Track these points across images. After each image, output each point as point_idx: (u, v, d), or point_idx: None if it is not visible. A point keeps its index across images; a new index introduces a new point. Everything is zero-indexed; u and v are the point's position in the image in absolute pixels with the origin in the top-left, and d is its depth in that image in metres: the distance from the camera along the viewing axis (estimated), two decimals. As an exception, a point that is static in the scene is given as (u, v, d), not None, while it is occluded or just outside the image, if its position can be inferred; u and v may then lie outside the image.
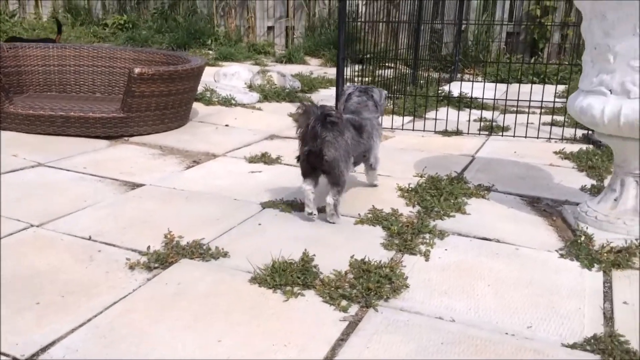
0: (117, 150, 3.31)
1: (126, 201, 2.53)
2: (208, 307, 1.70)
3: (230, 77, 5.34)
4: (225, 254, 2.03)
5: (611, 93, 2.10)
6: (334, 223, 2.35)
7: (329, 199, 2.32)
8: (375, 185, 2.82)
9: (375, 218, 2.39)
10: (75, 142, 3.39)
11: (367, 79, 4.79)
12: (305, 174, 2.34)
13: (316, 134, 2.22)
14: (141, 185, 2.74)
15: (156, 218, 2.35)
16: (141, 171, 2.94)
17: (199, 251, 2.02)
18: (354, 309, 1.72)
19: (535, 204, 2.66)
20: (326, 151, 2.24)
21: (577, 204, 2.48)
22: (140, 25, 8.42)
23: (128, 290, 1.78)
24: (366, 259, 1.97)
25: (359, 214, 2.43)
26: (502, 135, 3.93)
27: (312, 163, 2.29)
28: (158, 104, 3.52)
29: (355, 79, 4.74)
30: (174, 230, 2.20)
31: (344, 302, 1.74)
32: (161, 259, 1.95)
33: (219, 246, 2.07)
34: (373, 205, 2.51)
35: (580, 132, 3.87)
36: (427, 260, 2.06)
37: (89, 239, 2.13)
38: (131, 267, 1.92)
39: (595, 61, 2.16)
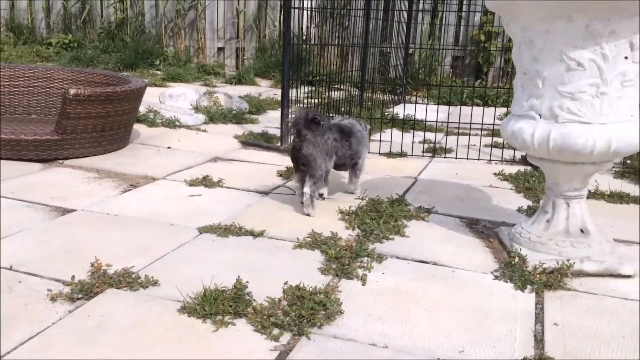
0: (50, 174, 3.18)
1: (55, 228, 2.42)
2: (132, 340, 1.62)
3: (176, 98, 5.25)
4: (155, 283, 1.95)
5: (540, 117, 2.15)
6: (308, 215, 2.68)
7: (306, 189, 2.69)
8: (353, 193, 3.06)
9: (315, 242, 2.36)
10: (5, 165, 3.24)
11: (315, 100, 4.79)
12: (295, 168, 2.76)
13: (300, 132, 2.60)
14: (72, 210, 2.63)
15: (85, 245, 2.25)
16: (74, 196, 2.82)
17: (127, 280, 1.94)
18: (285, 337, 1.67)
19: (473, 225, 2.69)
20: (304, 147, 2.64)
21: (513, 225, 2.52)
22: (86, 45, 8.22)
23: (47, 324, 1.68)
24: (301, 285, 1.94)
25: (297, 238, 2.40)
26: (445, 157, 3.99)
27: (295, 157, 2.70)
28: (95, 126, 3.41)
29: (305, 101, 4.74)
30: (104, 258, 2.10)
31: (275, 331, 1.69)
32: (86, 290, 1.86)
33: (149, 274, 1.99)
34: (312, 229, 2.48)
35: (519, 154, 3.96)
36: (364, 284, 2.04)
37: (10, 268, 2.01)
38: (52, 299, 1.82)
39: (525, 86, 2.22)
